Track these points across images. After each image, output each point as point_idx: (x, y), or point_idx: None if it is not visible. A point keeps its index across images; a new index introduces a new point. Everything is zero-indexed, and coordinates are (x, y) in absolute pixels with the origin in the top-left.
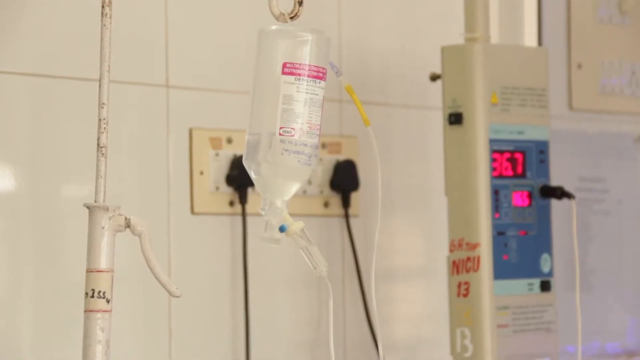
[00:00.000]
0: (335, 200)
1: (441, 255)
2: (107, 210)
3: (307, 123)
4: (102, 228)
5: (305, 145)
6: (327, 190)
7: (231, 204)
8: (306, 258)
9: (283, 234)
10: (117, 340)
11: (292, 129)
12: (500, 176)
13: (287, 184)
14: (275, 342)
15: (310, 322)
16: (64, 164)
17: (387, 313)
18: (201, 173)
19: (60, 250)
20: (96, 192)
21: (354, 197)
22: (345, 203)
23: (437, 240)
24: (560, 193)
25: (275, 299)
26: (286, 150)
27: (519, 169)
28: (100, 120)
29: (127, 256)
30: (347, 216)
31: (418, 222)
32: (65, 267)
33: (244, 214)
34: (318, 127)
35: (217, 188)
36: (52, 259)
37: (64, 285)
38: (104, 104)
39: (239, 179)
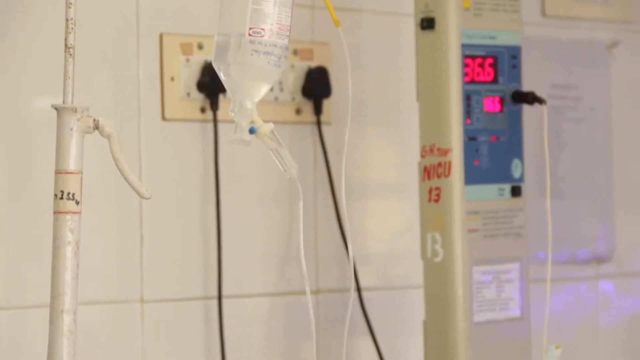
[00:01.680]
0: (307, 107)
1: (415, 168)
2: (76, 111)
3: (277, 24)
4: (71, 129)
5: (275, 46)
6: (299, 97)
7: (202, 110)
8: (276, 160)
9: (253, 135)
10: (88, 245)
11: (261, 29)
12: (472, 81)
13: (257, 85)
14: (247, 253)
15: (282, 235)
16: (34, 70)
17: (360, 226)
18: (172, 79)
19: (33, 156)
20: (64, 94)
21: (326, 104)
22: (317, 110)
23: (411, 151)
24: (531, 98)
25: (247, 210)
26: (255, 51)
27: (491, 75)
28: (67, 20)
29: (98, 164)
30: (319, 123)
31: (392, 133)
32: (37, 172)
33: (215, 121)
34: (288, 27)
35: (188, 94)
36: (25, 164)
37: (36, 192)
38: (71, 3)
39: (210, 86)
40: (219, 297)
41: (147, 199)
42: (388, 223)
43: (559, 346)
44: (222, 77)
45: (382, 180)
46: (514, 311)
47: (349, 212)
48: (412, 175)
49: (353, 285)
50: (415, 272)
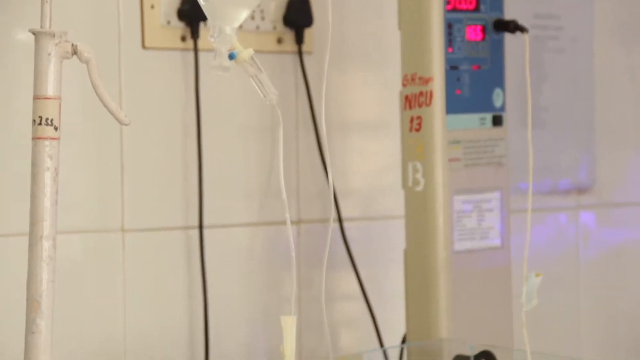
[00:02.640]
0: (289, 36)
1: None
2: (54, 36)
3: None
4: (49, 54)
5: None
6: (280, 26)
7: (183, 39)
8: (256, 87)
9: (232, 61)
10: (69, 175)
11: None
12: (454, 10)
13: (236, 10)
14: (228, 183)
15: (264, 167)
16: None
17: (343, 163)
18: (152, 7)
19: (14, 83)
20: (42, 18)
21: (308, 33)
22: (299, 39)
23: (395, 85)
24: (513, 27)
25: (228, 140)
26: None
27: (473, 3)
28: None
29: (78, 93)
30: (300, 53)
31: (374, 66)
32: (18, 101)
33: (195, 50)
34: None
35: (169, 22)
36: (5, 92)
37: (17, 121)
38: None
39: (190, 13)
40: (200, 227)
41: (126, 124)
42: (370, 157)
43: (539, 274)
44: (201, 2)
45: (364, 115)
46: (495, 240)
47: (330, 146)
48: (395, 109)
49: (333, 212)
50: (396, 204)
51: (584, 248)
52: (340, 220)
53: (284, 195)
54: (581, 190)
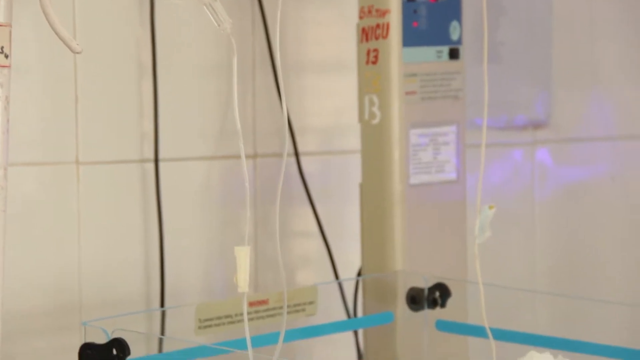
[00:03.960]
0: None
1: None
2: None
3: None
4: None
5: None
6: None
7: None
8: (210, 15)
9: None
10: (22, 106)
11: None
12: None
13: None
14: (185, 117)
15: (220, 103)
16: None
17: (301, 100)
18: None
19: None
20: None
21: None
22: None
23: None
24: None
25: (185, 76)
26: None
27: None
28: None
29: (31, 24)
30: None
31: (331, 3)
32: None
33: None
34: None
35: None
36: None
37: None
38: None
39: None
40: (156, 160)
41: (78, 52)
42: (329, 94)
43: (493, 206)
44: None
45: (323, 53)
46: (450, 174)
47: (288, 83)
48: (354, 45)
49: (288, 140)
50: (356, 141)
51: (540, 186)
52: (297, 154)
53: (238, 125)
54: (537, 125)
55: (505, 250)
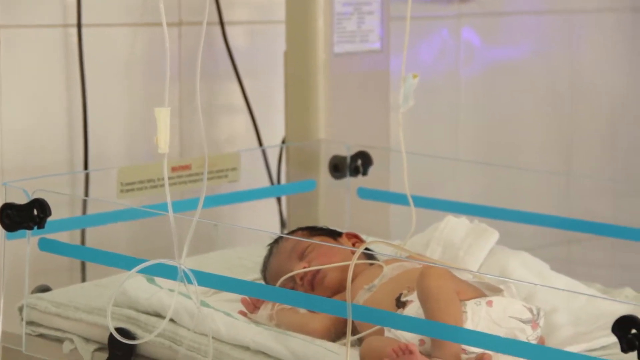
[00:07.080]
0: None
1: None
2: None
3: None
4: None
5: None
6: None
7: None
8: None
9: None
10: None
11: None
12: None
13: None
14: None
15: None
16: None
17: None
18: None
19: None
20: None
21: None
22: None
23: None
24: None
25: None
26: None
27: None
28: None
29: None
30: None
31: None
32: None
33: None
34: None
35: None
36: None
37: None
38: None
39: None
40: (79, 25)
41: None
42: None
43: (416, 75)
44: None
45: None
46: (375, 44)
47: None
48: None
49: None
50: (281, 8)
51: (466, 63)
52: (222, 23)
53: None
54: None
55: (429, 122)
